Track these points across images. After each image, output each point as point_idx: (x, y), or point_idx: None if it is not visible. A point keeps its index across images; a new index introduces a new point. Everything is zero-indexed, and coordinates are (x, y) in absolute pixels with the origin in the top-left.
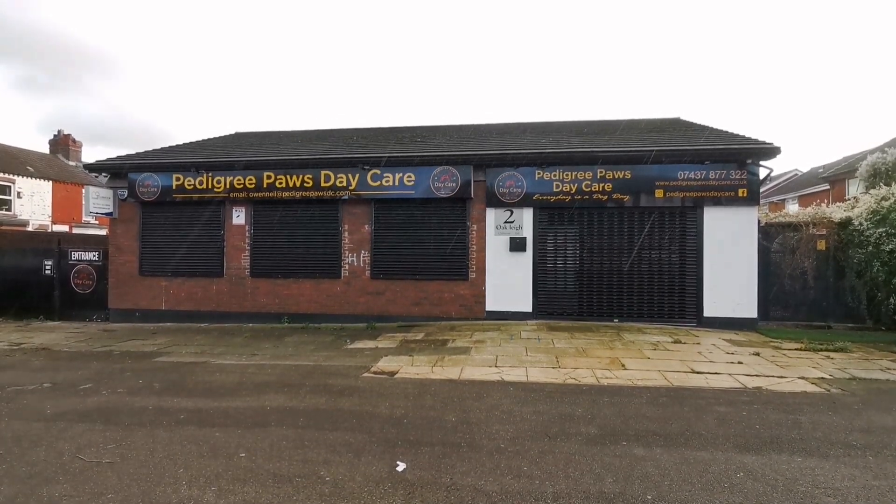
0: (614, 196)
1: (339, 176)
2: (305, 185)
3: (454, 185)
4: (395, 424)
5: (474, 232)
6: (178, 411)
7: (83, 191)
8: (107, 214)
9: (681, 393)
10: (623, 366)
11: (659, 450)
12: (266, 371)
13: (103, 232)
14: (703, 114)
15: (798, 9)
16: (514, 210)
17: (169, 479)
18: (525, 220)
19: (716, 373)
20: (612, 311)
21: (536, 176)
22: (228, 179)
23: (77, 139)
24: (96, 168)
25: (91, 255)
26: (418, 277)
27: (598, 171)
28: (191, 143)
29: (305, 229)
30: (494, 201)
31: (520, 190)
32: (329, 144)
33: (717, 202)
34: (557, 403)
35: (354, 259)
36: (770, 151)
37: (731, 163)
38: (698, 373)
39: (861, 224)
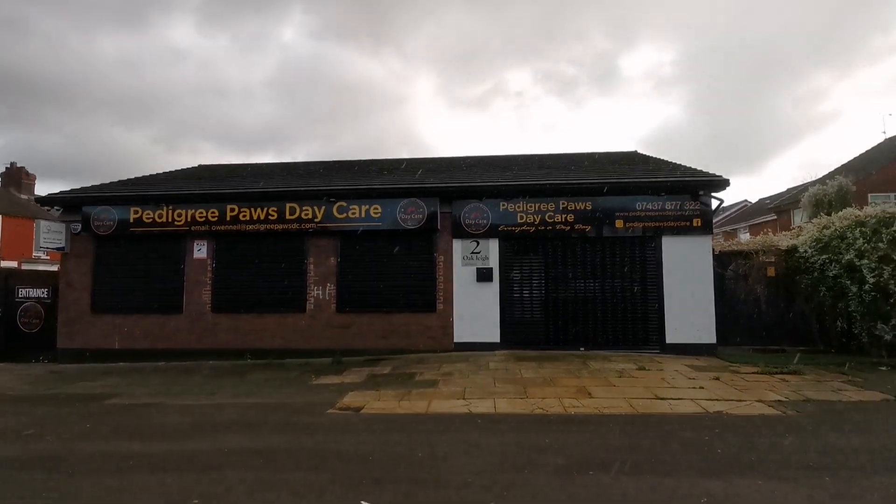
0: (576, 227)
1: (304, 208)
2: (270, 217)
3: (421, 216)
4: (360, 462)
5: (441, 263)
6: (129, 456)
7: (34, 225)
8: (58, 249)
9: (646, 420)
10: (590, 394)
11: (625, 478)
12: (225, 411)
13: (54, 268)
14: (658, 148)
15: (747, 47)
16: (480, 241)
17: None
18: (491, 250)
19: (679, 398)
20: (579, 339)
21: (501, 207)
22: (190, 212)
23: (31, 172)
24: (49, 201)
25: (40, 292)
26: (385, 310)
27: (561, 202)
28: (151, 175)
29: (270, 262)
30: (461, 232)
31: (485, 221)
32: (294, 177)
33: (674, 232)
34: (525, 434)
35: (320, 292)
36: (720, 183)
37: (685, 194)
38: (662, 399)
39: (806, 251)
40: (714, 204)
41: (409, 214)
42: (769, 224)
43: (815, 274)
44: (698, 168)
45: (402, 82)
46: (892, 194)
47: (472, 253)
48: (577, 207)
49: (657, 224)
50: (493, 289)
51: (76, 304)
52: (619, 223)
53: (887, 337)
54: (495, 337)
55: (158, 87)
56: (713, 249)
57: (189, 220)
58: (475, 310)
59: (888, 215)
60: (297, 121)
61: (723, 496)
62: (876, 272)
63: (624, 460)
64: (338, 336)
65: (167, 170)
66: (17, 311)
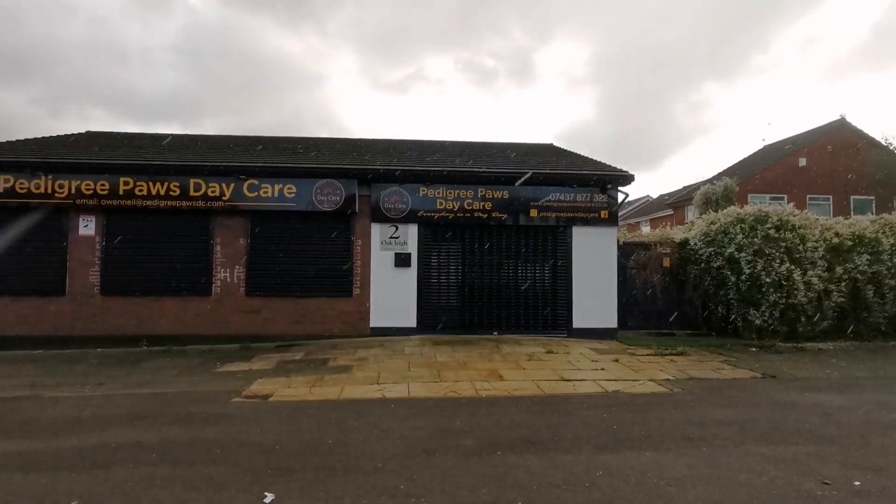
0: (494, 214)
1: (210, 185)
2: (172, 193)
3: (338, 198)
4: (266, 452)
5: (359, 247)
6: None
7: None
8: None
9: (552, 400)
10: (501, 377)
11: (530, 456)
12: (114, 402)
13: None
14: (570, 142)
15: (647, 47)
16: (399, 226)
17: None
18: (410, 235)
19: (582, 379)
20: (493, 324)
21: (421, 193)
22: (75, 184)
23: None
24: None
25: None
26: (299, 294)
27: (479, 190)
28: (28, 139)
29: (171, 242)
30: (380, 216)
31: (405, 206)
32: (200, 151)
33: (583, 222)
34: (437, 417)
35: (228, 275)
36: (626, 178)
37: (594, 187)
38: (567, 380)
39: (696, 244)
40: (620, 197)
41: (326, 196)
42: (667, 219)
43: (703, 265)
44: (607, 163)
45: (322, 60)
46: (768, 196)
47: (391, 238)
48: (495, 196)
49: (568, 214)
50: (411, 274)
51: None
52: (533, 212)
53: (757, 322)
54: (412, 322)
55: (42, 43)
56: (618, 240)
57: (73, 192)
58: (392, 295)
59: (763, 214)
60: (206, 92)
61: (616, 468)
62: (751, 264)
63: (529, 439)
64: (247, 321)
65: (48, 135)
66: None
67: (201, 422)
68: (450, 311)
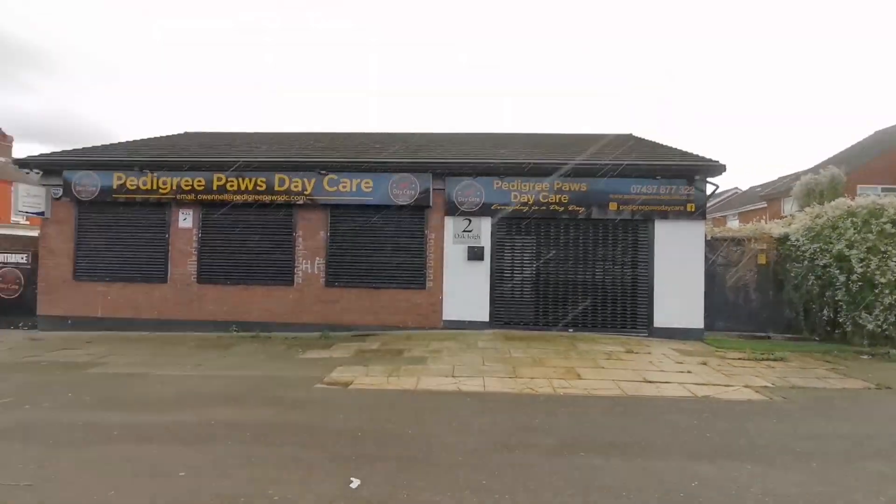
0: (570, 208)
1: (294, 180)
2: (259, 188)
3: (413, 192)
4: (350, 438)
5: (432, 240)
6: (112, 427)
7: (12, 188)
8: (38, 214)
9: (635, 402)
10: (578, 375)
11: (616, 460)
12: (212, 383)
13: (34, 233)
14: (653, 132)
15: (739, 31)
16: (472, 219)
17: (96, 502)
18: (483, 229)
19: (667, 382)
20: (568, 321)
21: (495, 186)
22: (175, 180)
23: (8, 133)
24: (27, 163)
25: (19, 258)
26: (374, 286)
27: (556, 183)
28: (135, 140)
29: (257, 234)
30: (453, 210)
31: (478, 199)
32: (284, 147)
33: (667, 216)
34: (515, 414)
35: (309, 266)
36: (716, 168)
37: (680, 178)
38: (650, 382)
39: (798, 240)
40: (709, 189)
41: (402, 190)
42: (759, 212)
43: (806, 262)
44: (694, 153)
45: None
46: (879, 186)
47: (464, 231)
48: (572, 188)
49: (651, 208)
50: (483, 268)
51: (57, 270)
52: (612, 206)
53: (870, 326)
54: (484, 316)
55: None
56: (705, 235)
57: (175, 188)
58: (465, 288)
59: (878, 207)
60: None
61: (713, 479)
62: (864, 262)
63: (614, 442)
64: (325, 311)
65: (152, 136)
66: None
67: (288, 405)
68: (523, 306)
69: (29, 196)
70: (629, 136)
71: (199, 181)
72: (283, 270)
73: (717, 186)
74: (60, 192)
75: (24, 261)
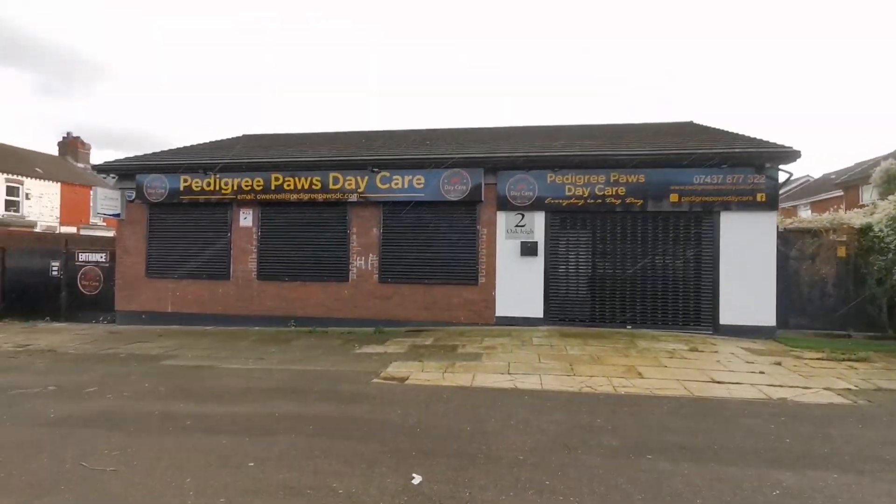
0: (627, 200)
1: (347, 178)
2: (314, 187)
3: (464, 187)
4: (408, 434)
5: (484, 236)
6: (185, 417)
7: (91, 192)
8: (114, 216)
9: (703, 404)
10: (640, 374)
11: (686, 464)
12: (274, 376)
13: (111, 234)
14: (714, 118)
15: (804, 13)
16: (525, 214)
17: (175, 489)
18: (537, 224)
19: (737, 383)
20: (625, 317)
21: (549, 179)
22: (236, 181)
23: (86, 142)
24: (105, 169)
25: (98, 257)
26: (427, 282)
27: (612, 174)
28: (199, 144)
29: (313, 232)
30: (505, 205)
31: (531, 193)
32: (337, 147)
33: (734, 207)
34: (575, 413)
35: (362, 262)
36: (790, 155)
37: (748, 167)
38: (719, 382)
39: (881, 230)
40: (782, 177)
41: (453, 185)
42: (834, 201)
43: (891, 255)
44: (763, 139)
45: None
46: None
47: (517, 226)
48: (629, 180)
49: (716, 199)
50: (537, 263)
51: (132, 268)
52: (673, 197)
53: None
54: (538, 312)
55: None
56: (777, 226)
57: (235, 188)
58: (518, 284)
59: None
60: None
61: (797, 489)
62: None
63: (683, 445)
64: (379, 306)
65: (214, 139)
66: (78, 274)
67: (347, 399)
68: (578, 303)
69: (106, 199)
70: (689, 124)
71: (258, 181)
72: (338, 267)
73: (791, 174)
74: (133, 194)
75: (103, 259)
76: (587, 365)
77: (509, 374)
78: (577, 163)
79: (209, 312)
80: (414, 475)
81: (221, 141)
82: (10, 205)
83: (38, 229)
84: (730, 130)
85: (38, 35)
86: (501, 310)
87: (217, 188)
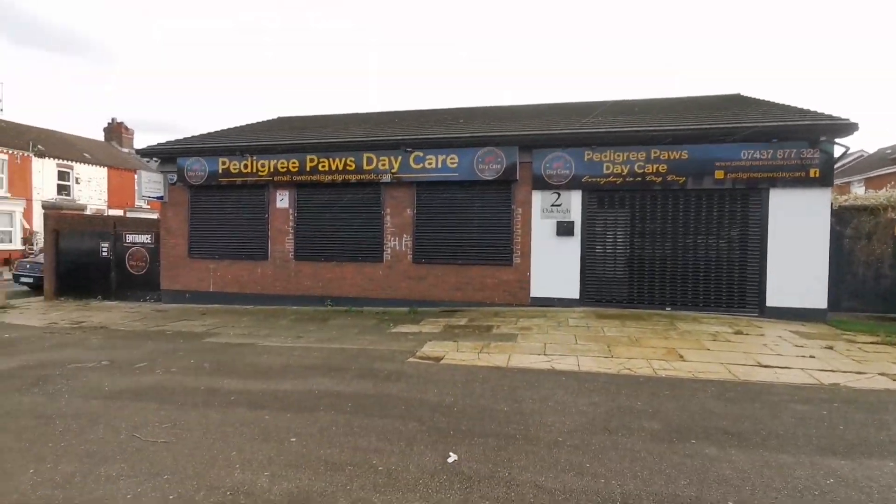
0: (669, 178)
1: (381, 159)
2: (348, 168)
3: (499, 166)
4: (445, 413)
5: (519, 215)
6: (229, 392)
7: (136, 175)
8: (158, 198)
9: (749, 388)
10: (681, 357)
11: (734, 450)
12: (312, 354)
13: (155, 216)
14: (761, 90)
15: None
16: (561, 193)
17: (222, 461)
18: (573, 203)
19: (786, 367)
20: (665, 298)
21: (586, 157)
22: (272, 163)
23: (129, 127)
24: (148, 153)
25: (144, 238)
26: (461, 262)
27: (652, 151)
28: (236, 127)
29: (348, 213)
30: (541, 184)
31: (568, 172)
32: (371, 127)
33: (784, 183)
34: (614, 395)
35: (396, 243)
36: (846, 128)
37: (801, 140)
38: (766, 366)
39: None
40: (837, 152)
41: (487, 164)
42: (890, 177)
43: None
44: (817, 111)
45: None
46: None
47: (553, 205)
48: (672, 157)
49: (765, 175)
50: (573, 243)
51: (175, 249)
52: (718, 174)
53: None
54: (574, 293)
55: None
56: (831, 204)
57: (272, 170)
58: (554, 265)
59: None
60: None
61: (851, 478)
62: None
63: (729, 431)
64: (413, 287)
65: (250, 122)
66: (126, 254)
67: (384, 378)
68: (616, 284)
69: (150, 182)
70: (735, 96)
71: (294, 163)
72: (373, 248)
73: (847, 148)
74: (175, 177)
75: (148, 241)
76: (625, 347)
77: (545, 354)
78: (615, 139)
79: (249, 292)
80: (451, 454)
81: (256, 124)
82: (61, 189)
83: (87, 212)
84: (779, 102)
85: (62, 22)
86: (536, 290)
87: (254, 170)
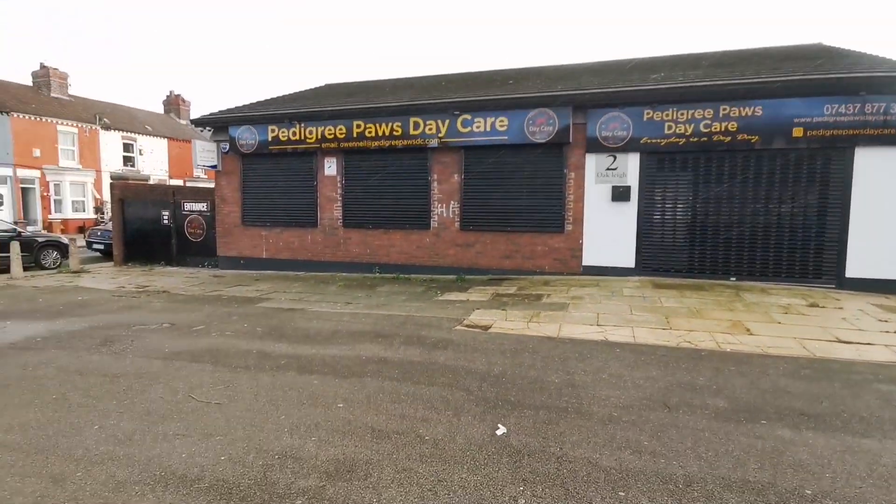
0: (739, 137)
1: (428, 123)
2: (394, 133)
3: (551, 128)
4: (494, 383)
5: (572, 180)
6: (279, 356)
7: (192, 145)
8: (212, 167)
9: (827, 365)
10: (748, 330)
11: (810, 433)
12: (360, 320)
13: (211, 185)
14: (846, 41)
15: None
16: (617, 155)
17: (272, 425)
18: (630, 166)
19: (868, 343)
20: (730, 268)
21: (645, 116)
22: (319, 129)
23: (186, 98)
24: (200, 122)
25: (201, 206)
26: (509, 229)
27: (721, 108)
28: (284, 95)
29: (395, 179)
30: (595, 146)
31: (625, 133)
32: (418, 91)
33: (871, 141)
34: (673, 369)
35: (444, 210)
36: None
37: (892, 94)
38: (846, 342)
39: None
40: None
41: (538, 126)
42: None
43: None
44: None
45: None
46: None
47: (608, 169)
48: (743, 113)
49: (850, 132)
50: (629, 209)
51: (229, 216)
52: (797, 132)
53: None
54: (629, 262)
55: None
56: None
57: (319, 137)
58: (608, 232)
59: None
60: None
61: None
62: None
63: (804, 412)
64: (461, 254)
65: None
66: (184, 222)
67: (431, 345)
68: (675, 251)
69: (204, 151)
70: (817, 46)
71: (341, 129)
72: (420, 215)
73: None
74: (227, 146)
75: (205, 209)
76: (685, 318)
77: (598, 325)
78: (679, 96)
79: (299, 258)
80: (500, 426)
81: (304, 91)
82: (126, 160)
83: (150, 182)
84: (868, 53)
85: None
86: (589, 259)
87: (302, 137)
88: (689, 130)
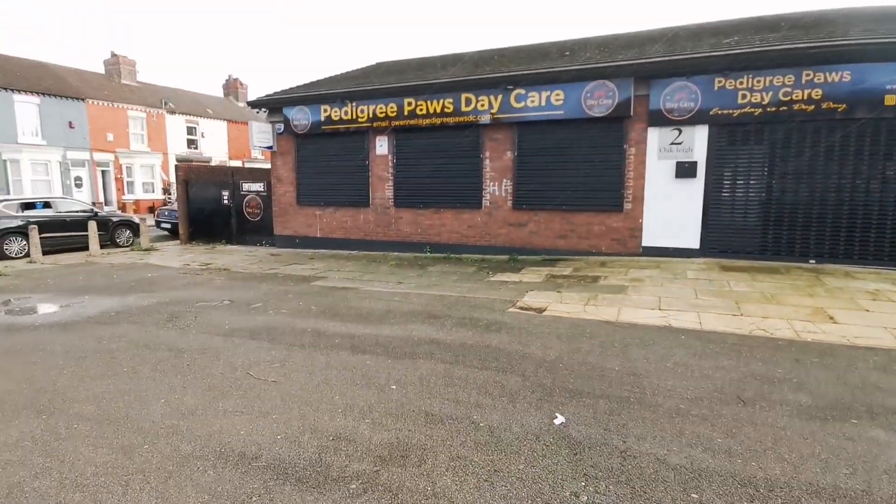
0: (824, 106)
1: (480, 99)
2: (445, 110)
3: (610, 101)
4: (550, 369)
5: (632, 156)
6: (333, 335)
7: (248, 126)
8: (268, 148)
9: None
10: (831, 318)
11: None
12: (412, 300)
13: (268, 165)
14: None
15: None
16: (682, 129)
17: (326, 405)
18: (697, 140)
19: None
20: (808, 249)
21: (716, 85)
22: (371, 108)
23: (243, 82)
24: (256, 104)
25: (258, 187)
26: (564, 208)
27: (804, 73)
28: (335, 76)
29: (446, 158)
30: (659, 119)
31: (692, 104)
32: (470, 67)
33: None
34: (746, 360)
35: (496, 188)
36: None
37: None
38: None
39: None
40: None
41: (597, 99)
42: None
43: None
44: None
45: None
46: None
47: (672, 143)
48: (829, 79)
49: None
50: (695, 186)
51: (285, 196)
52: (889, 99)
53: None
54: (694, 242)
55: None
56: None
57: (371, 116)
58: (671, 210)
59: None
60: None
61: None
62: None
63: None
64: (513, 234)
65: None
66: (243, 202)
67: (484, 327)
68: (746, 232)
69: (260, 133)
70: None
71: (392, 107)
72: (471, 193)
73: None
74: (282, 127)
75: (262, 189)
76: (758, 304)
77: (660, 309)
78: (757, 61)
79: (352, 238)
80: (558, 415)
81: (355, 70)
82: (189, 143)
83: (212, 164)
84: None
85: None
86: (649, 239)
87: (353, 117)
88: (767, 99)
